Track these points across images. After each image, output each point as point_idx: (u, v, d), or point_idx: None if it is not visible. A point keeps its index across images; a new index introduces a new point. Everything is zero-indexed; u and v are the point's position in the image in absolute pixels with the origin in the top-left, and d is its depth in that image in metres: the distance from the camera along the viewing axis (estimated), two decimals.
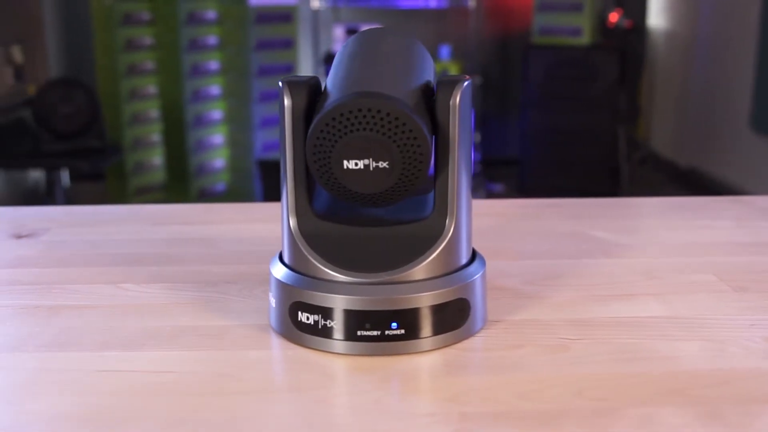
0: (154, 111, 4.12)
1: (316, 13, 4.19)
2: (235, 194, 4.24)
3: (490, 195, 4.24)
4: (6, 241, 0.81)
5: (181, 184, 4.15)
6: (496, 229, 0.82)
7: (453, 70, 4.13)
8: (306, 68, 4.39)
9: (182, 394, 0.49)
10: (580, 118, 4.11)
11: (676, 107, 4.53)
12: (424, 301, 0.54)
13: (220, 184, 4.27)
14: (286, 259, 0.58)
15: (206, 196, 4.20)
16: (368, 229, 0.57)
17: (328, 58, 4.21)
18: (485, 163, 4.44)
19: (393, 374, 0.51)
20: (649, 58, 4.66)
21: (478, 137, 4.34)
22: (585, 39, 4.04)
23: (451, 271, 0.56)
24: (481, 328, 0.58)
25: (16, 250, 0.78)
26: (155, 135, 4.14)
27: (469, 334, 0.56)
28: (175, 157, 4.14)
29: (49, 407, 0.47)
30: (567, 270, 0.70)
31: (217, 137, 4.22)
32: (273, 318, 0.58)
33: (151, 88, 4.10)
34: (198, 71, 4.10)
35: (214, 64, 4.18)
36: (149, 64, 4.10)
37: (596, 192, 3.97)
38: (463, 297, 0.55)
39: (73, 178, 3.71)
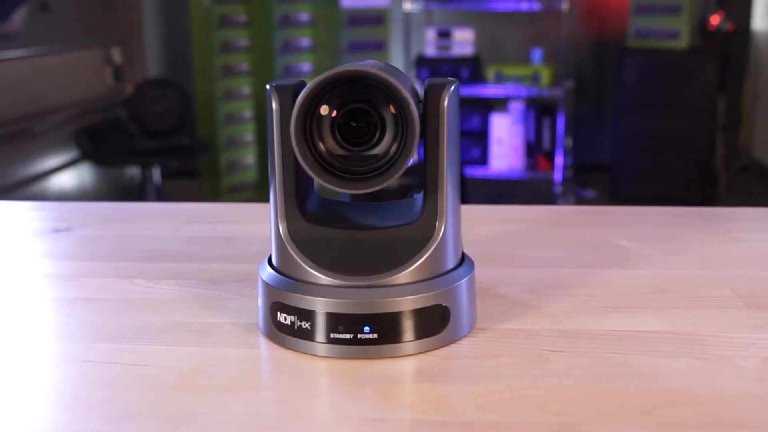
0: (247, 111, 4.22)
1: (408, 16, 4.20)
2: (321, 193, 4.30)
3: (580, 201, 4.16)
4: (43, 234, 0.85)
5: None
6: (516, 236, 0.81)
7: (545, 74, 4.07)
8: None
9: (150, 387, 0.50)
10: (677, 124, 3.98)
11: None
12: (398, 306, 0.53)
13: None
14: (273, 260, 0.58)
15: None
16: (355, 232, 0.57)
17: (420, 61, 4.21)
18: (577, 169, 4.35)
19: (360, 378, 0.51)
20: (752, 62, 4.47)
21: (569, 142, 4.26)
22: (683, 42, 3.91)
23: (434, 276, 0.55)
24: (465, 335, 0.57)
25: (51, 243, 0.82)
26: (248, 134, 4.24)
27: (450, 341, 0.56)
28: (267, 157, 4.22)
29: (21, 392, 0.49)
30: (575, 279, 0.68)
31: None
32: (259, 318, 0.59)
33: (246, 89, 4.20)
34: (291, 73, 4.18)
35: (306, 66, 4.25)
36: (244, 66, 4.20)
37: (691, 201, 3.83)
38: (442, 303, 0.55)
39: (166, 175, 3.83)
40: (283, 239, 0.56)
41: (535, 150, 4.21)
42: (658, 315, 0.60)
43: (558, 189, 4.16)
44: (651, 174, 4.07)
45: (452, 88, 0.54)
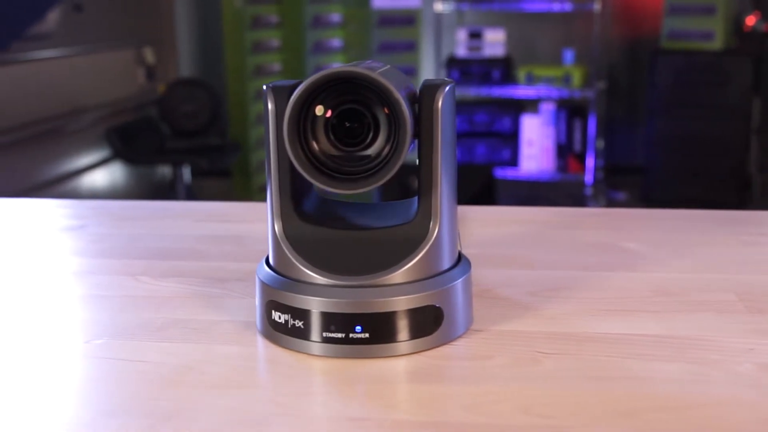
0: None
1: (439, 16, 4.20)
2: (354, 196, 4.30)
3: (611, 203, 4.12)
4: (57, 231, 0.86)
5: None
6: (522, 237, 0.81)
7: (576, 75, 4.04)
8: (428, 71, 4.41)
9: (142, 382, 0.51)
10: (711, 126, 3.92)
11: None
12: (390, 306, 0.53)
13: None
14: (270, 259, 0.59)
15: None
16: (350, 232, 0.57)
17: (451, 62, 4.21)
18: (608, 171, 4.31)
19: (350, 377, 0.51)
20: None
21: (601, 144, 4.23)
22: (717, 43, 3.86)
23: (427, 276, 0.55)
24: (459, 336, 0.57)
25: (63, 240, 0.83)
26: None
27: (444, 342, 0.56)
28: None
29: (16, 386, 0.50)
30: (577, 282, 0.68)
31: None
32: (257, 316, 0.59)
33: None
34: None
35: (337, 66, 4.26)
36: (276, 66, 4.22)
37: (725, 203, 3.78)
38: (435, 304, 0.55)
39: (197, 174, 3.87)
40: (279, 239, 0.57)
41: (566, 152, 4.18)
42: (657, 319, 0.60)
43: (589, 191, 4.12)
44: (684, 177, 4.02)
45: (447, 89, 0.54)
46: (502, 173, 4.18)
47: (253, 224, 0.88)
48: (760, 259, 0.74)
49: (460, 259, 0.59)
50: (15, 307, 0.65)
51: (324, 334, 0.54)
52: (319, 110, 0.52)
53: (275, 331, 0.56)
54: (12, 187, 2.84)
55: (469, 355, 0.54)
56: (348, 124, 0.53)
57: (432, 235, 0.55)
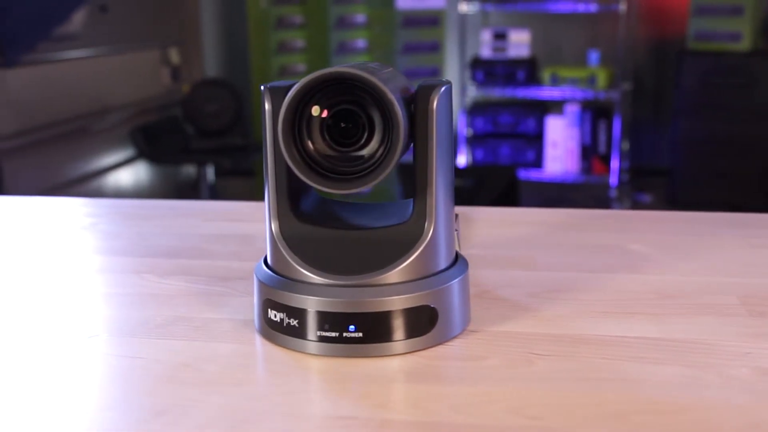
0: None
1: (463, 17, 4.19)
2: (377, 195, 4.31)
3: (637, 206, 4.09)
4: (67, 230, 0.87)
5: None
6: (530, 238, 0.80)
7: (601, 76, 4.01)
8: (452, 72, 4.40)
9: (138, 378, 0.52)
10: (737, 128, 3.88)
11: None
12: (384, 305, 0.53)
13: None
14: (268, 259, 0.59)
15: (349, 197, 4.28)
16: (346, 232, 0.57)
17: (475, 63, 4.20)
18: (633, 173, 4.28)
19: (342, 376, 0.52)
20: None
21: (626, 145, 4.20)
22: (745, 44, 3.81)
23: (422, 277, 0.55)
24: (454, 337, 0.57)
25: (72, 238, 0.84)
26: None
27: (438, 342, 0.56)
28: None
29: (13, 380, 0.51)
30: (579, 284, 0.67)
31: None
32: (255, 315, 0.60)
33: None
34: None
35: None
36: (300, 67, 4.24)
37: (753, 206, 3.73)
38: (429, 304, 0.55)
39: (220, 174, 3.89)
40: (275, 238, 0.57)
41: (591, 153, 4.15)
42: (656, 321, 0.59)
43: (613, 193, 4.10)
44: (710, 179, 3.98)
45: (442, 89, 0.55)
46: (526, 174, 4.16)
47: (262, 224, 0.88)
48: (766, 263, 0.73)
49: (457, 259, 0.59)
50: (17, 302, 0.66)
51: (319, 333, 0.54)
52: (315, 110, 0.53)
53: (272, 330, 0.56)
54: (38, 185, 2.88)
55: (463, 356, 0.54)
56: (343, 125, 0.53)
57: (427, 236, 0.55)
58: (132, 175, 3.47)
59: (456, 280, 0.57)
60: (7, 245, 0.82)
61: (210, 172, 3.60)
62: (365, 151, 0.53)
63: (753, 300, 0.63)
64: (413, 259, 0.55)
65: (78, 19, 3.06)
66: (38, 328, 0.60)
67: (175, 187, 3.78)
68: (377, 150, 0.53)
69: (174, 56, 3.73)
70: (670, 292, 0.65)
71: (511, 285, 0.67)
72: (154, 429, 0.45)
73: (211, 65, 4.38)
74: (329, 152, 0.53)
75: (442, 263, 0.57)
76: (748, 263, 0.73)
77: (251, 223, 0.88)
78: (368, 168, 0.53)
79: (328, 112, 0.53)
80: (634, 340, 0.56)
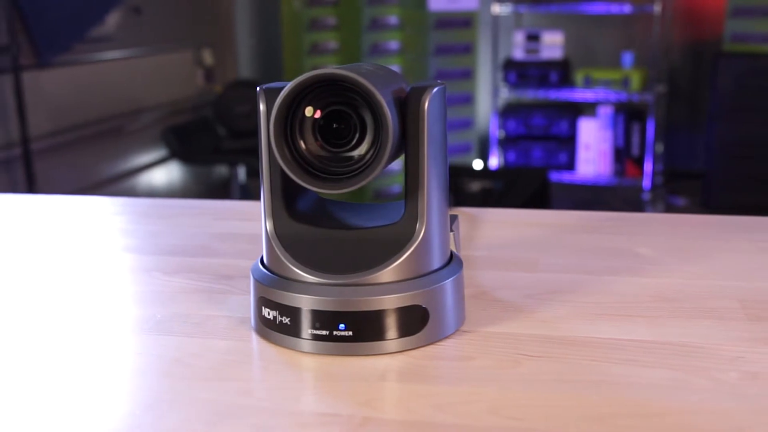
0: None
1: (496, 19, 4.18)
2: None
3: (670, 209, 4.04)
4: (80, 228, 0.89)
5: None
6: (535, 240, 0.80)
7: (635, 78, 3.98)
8: (484, 74, 4.39)
9: (130, 373, 0.53)
10: None
11: None
12: (374, 304, 0.54)
13: (395, 186, 4.36)
14: (263, 258, 0.60)
15: (381, 197, 4.30)
16: (338, 231, 0.58)
17: (508, 64, 4.18)
18: (668, 176, 4.24)
19: (330, 375, 0.52)
20: None
21: (659, 148, 4.15)
22: None
23: (414, 277, 0.56)
24: (446, 337, 0.57)
25: (83, 236, 0.86)
26: None
27: (429, 342, 0.56)
28: None
29: (9, 375, 0.53)
30: (578, 286, 0.67)
31: None
32: (251, 313, 0.60)
33: None
34: None
35: (394, 69, 4.27)
36: None
37: None
38: (421, 304, 0.55)
39: (252, 174, 3.92)
40: (270, 237, 0.58)
41: (624, 156, 4.12)
42: (651, 324, 0.59)
43: (647, 196, 4.06)
44: (745, 182, 3.92)
45: (434, 90, 0.55)
46: (559, 177, 4.14)
47: None
48: None
49: (452, 259, 0.60)
50: (21, 300, 0.67)
51: (311, 331, 0.55)
52: (308, 111, 0.53)
53: (266, 328, 0.57)
54: (72, 185, 2.93)
55: (453, 356, 0.55)
56: (335, 126, 0.54)
57: (418, 236, 0.56)
58: (165, 175, 3.51)
59: (448, 280, 0.57)
60: (21, 243, 0.84)
61: (241, 172, 3.63)
62: (357, 152, 0.54)
63: (754, 304, 0.63)
64: (404, 259, 0.55)
65: (112, 20, 3.11)
66: (38, 327, 0.62)
67: (206, 188, 3.82)
68: (368, 151, 0.53)
69: (207, 57, 3.77)
70: (670, 296, 0.65)
71: (508, 286, 0.67)
72: (142, 422, 0.46)
73: (244, 66, 4.42)
74: (321, 152, 0.54)
75: (435, 263, 0.57)
76: (754, 267, 0.72)
77: (259, 222, 0.89)
78: (358, 168, 0.53)
79: (322, 113, 0.54)
80: (625, 342, 0.56)
